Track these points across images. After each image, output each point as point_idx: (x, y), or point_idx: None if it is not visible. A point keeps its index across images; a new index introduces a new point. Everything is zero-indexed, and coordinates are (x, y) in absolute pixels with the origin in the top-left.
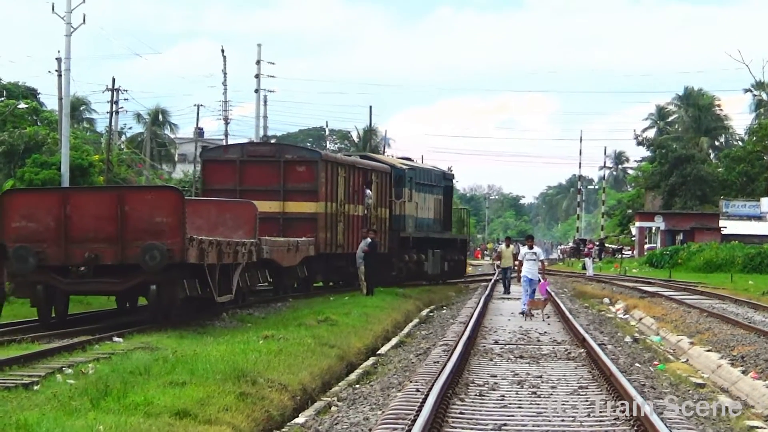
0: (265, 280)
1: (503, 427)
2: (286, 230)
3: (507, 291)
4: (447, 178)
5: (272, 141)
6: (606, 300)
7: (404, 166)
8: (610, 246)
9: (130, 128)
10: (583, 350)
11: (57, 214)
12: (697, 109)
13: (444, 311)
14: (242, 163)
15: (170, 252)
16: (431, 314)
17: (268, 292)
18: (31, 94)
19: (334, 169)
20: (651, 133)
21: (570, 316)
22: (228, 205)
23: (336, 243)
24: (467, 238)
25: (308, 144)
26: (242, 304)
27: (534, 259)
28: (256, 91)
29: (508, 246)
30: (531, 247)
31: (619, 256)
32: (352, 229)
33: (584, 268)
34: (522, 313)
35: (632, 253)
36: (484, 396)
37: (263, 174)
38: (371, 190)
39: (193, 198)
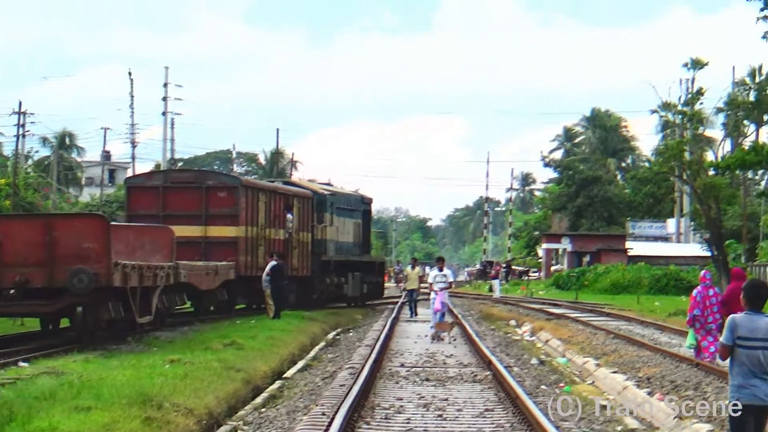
0: (183, 303)
1: None
2: (208, 254)
3: (413, 313)
4: (365, 202)
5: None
6: (512, 322)
7: (325, 192)
8: (516, 268)
9: (36, 152)
10: (489, 373)
11: None
12: (604, 131)
13: (351, 334)
14: (165, 189)
15: (97, 276)
16: (338, 337)
17: (189, 315)
18: None
19: (254, 194)
20: (558, 155)
21: (476, 339)
22: (146, 230)
23: (257, 266)
24: (384, 261)
25: (215, 167)
26: (160, 326)
27: (443, 281)
28: (164, 114)
29: (414, 268)
30: (441, 269)
31: (526, 278)
32: None
33: (491, 290)
34: (432, 336)
35: (539, 274)
36: (389, 419)
37: (185, 199)
38: (293, 215)
39: (112, 223)
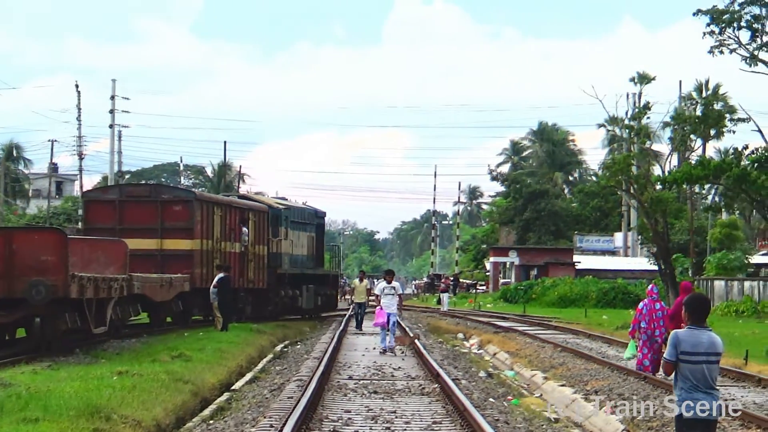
0: (138, 314)
1: None
2: (164, 267)
3: (359, 326)
4: (319, 216)
5: (127, 177)
6: (460, 335)
7: (280, 206)
8: (464, 281)
9: None
10: (437, 385)
11: None
12: (552, 144)
13: (299, 346)
14: (121, 203)
15: (54, 287)
16: (285, 349)
17: (145, 326)
18: None
19: (209, 208)
20: (505, 168)
21: (424, 351)
22: (100, 243)
23: (212, 278)
24: (338, 274)
25: (163, 179)
26: (115, 336)
27: (392, 294)
28: (111, 126)
29: (361, 281)
30: (390, 282)
31: (473, 291)
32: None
33: (439, 302)
34: (383, 350)
35: (486, 288)
36: (338, 431)
37: (141, 213)
38: (248, 228)
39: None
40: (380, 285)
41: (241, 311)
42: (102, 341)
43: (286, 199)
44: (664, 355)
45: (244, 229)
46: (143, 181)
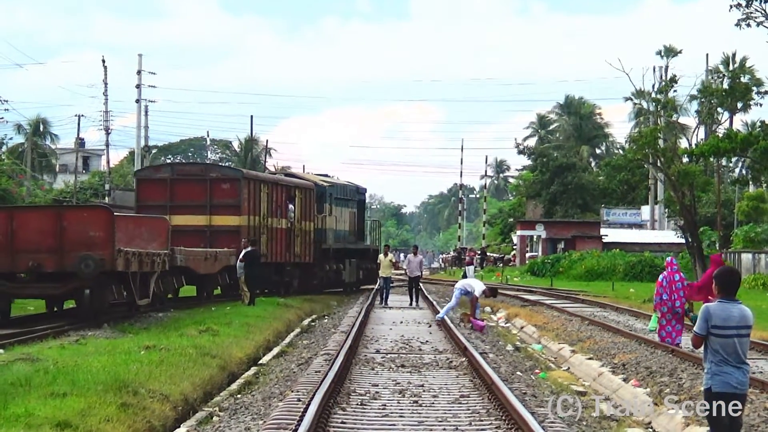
0: (182, 286)
1: None
2: (213, 242)
3: (385, 302)
4: (360, 192)
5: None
6: (487, 309)
7: (325, 183)
8: (491, 254)
9: (10, 139)
10: (464, 359)
11: (4, 229)
12: (578, 118)
13: (326, 320)
14: (172, 181)
15: (102, 261)
16: (313, 323)
17: (192, 298)
18: None
19: (256, 185)
20: (532, 142)
21: (451, 325)
22: (144, 220)
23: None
24: (378, 248)
25: (189, 154)
26: (159, 307)
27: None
28: (137, 101)
29: (386, 255)
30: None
31: (500, 264)
32: (275, 241)
33: (465, 276)
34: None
35: (514, 261)
36: (365, 405)
37: (191, 191)
38: (294, 206)
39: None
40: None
41: (289, 284)
42: (143, 314)
43: (329, 176)
44: (694, 329)
45: (291, 206)
46: (192, 161)
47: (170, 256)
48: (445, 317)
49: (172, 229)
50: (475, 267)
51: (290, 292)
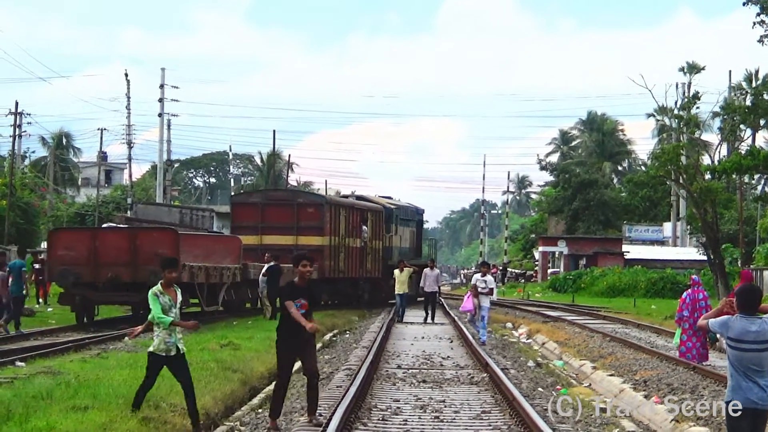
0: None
1: None
2: None
3: (400, 319)
4: (419, 213)
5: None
6: (509, 324)
7: (392, 206)
8: (513, 270)
9: (33, 152)
10: (486, 375)
11: (89, 245)
12: (601, 134)
13: (347, 335)
14: (263, 205)
15: None
16: (335, 339)
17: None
18: None
19: (336, 209)
20: (554, 158)
21: (473, 341)
22: (220, 238)
23: (338, 269)
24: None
25: (212, 168)
26: (230, 314)
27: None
28: (160, 115)
29: (402, 270)
30: (484, 275)
31: (522, 280)
32: (351, 258)
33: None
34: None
35: (536, 277)
36: (386, 420)
37: (280, 214)
38: (367, 227)
39: (190, 233)
40: (476, 277)
41: (360, 297)
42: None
43: (392, 198)
44: (710, 320)
45: (364, 227)
46: (282, 188)
47: (242, 270)
48: (465, 330)
49: (262, 248)
50: (497, 283)
51: (361, 306)
